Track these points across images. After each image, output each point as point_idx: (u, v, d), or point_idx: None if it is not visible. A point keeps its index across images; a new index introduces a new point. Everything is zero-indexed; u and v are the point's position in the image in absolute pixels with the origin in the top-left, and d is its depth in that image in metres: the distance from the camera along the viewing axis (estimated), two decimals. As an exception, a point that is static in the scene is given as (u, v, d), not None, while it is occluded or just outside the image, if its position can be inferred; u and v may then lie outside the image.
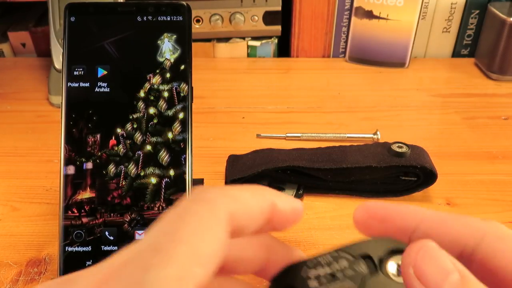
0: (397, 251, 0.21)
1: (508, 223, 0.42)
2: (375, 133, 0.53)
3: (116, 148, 0.38)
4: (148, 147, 0.39)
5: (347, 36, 0.71)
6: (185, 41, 0.44)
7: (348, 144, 0.47)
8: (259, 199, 0.20)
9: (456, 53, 0.73)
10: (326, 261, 0.22)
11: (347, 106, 0.61)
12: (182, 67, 0.44)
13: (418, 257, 0.19)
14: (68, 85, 0.43)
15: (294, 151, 0.46)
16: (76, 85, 0.43)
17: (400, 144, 0.44)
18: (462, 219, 0.21)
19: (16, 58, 0.74)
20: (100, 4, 0.44)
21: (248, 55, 0.73)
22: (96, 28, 0.43)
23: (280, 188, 0.45)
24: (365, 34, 0.70)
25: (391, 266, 0.21)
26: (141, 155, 0.39)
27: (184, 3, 0.44)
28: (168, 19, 0.44)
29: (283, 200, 0.21)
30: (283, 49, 0.75)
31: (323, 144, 0.48)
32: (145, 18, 0.44)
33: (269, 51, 0.73)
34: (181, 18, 0.44)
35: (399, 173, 0.44)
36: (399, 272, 0.20)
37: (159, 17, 0.44)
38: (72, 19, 0.43)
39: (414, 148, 0.45)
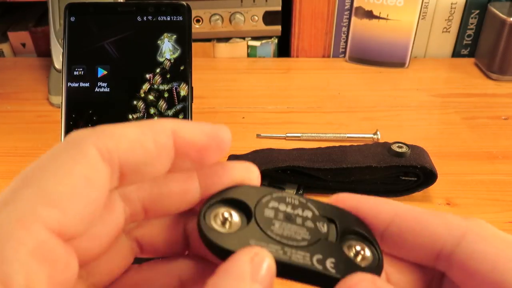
0: (363, 237, 0.20)
1: (508, 223, 0.42)
2: (375, 133, 0.53)
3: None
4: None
5: (347, 36, 0.71)
6: (185, 41, 0.44)
7: (348, 144, 0.47)
8: (147, 131, 0.18)
9: (456, 53, 0.73)
10: (292, 202, 0.21)
11: (347, 106, 0.61)
12: (182, 67, 0.44)
13: None
14: (68, 85, 0.43)
15: (294, 151, 0.46)
16: (76, 85, 0.43)
17: (400, 144, 0.44)
18: (440, 216, 0.19)
19: (16, 58, 0.74)
20: (100, 4, 0.44)
21: (248, 55, 0.73)
22: (96, 28, 0.43)
23: (280, 188, 0.45)
24: (365, 34, 0.70)
25: (350, 246, 0.20)
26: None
27: (184, 3, 0.44)
28: (168, 19, 0.44)
29: (188, 127, 0.19)
30: (283, 49, 0.75)
31: (323, 144, 0.48)
32: (145, 18, 0.44)
33: (269, 51, 0.73)
34: (181, 18, 0.44)
35: (399, 173, 0.44)
36: (355, 255, 0.20)
37: (159, 17, 0.44)
38: (72, 19, 0.43)
39: (414, 148, 0.45)
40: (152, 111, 0.43)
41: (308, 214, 0.20)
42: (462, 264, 0.18)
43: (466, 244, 0.18)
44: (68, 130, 0.42)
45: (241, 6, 0.69)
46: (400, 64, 0.70)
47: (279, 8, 0.70)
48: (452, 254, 0.19)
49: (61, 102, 0.43)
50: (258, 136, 0.54)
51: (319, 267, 0.18)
